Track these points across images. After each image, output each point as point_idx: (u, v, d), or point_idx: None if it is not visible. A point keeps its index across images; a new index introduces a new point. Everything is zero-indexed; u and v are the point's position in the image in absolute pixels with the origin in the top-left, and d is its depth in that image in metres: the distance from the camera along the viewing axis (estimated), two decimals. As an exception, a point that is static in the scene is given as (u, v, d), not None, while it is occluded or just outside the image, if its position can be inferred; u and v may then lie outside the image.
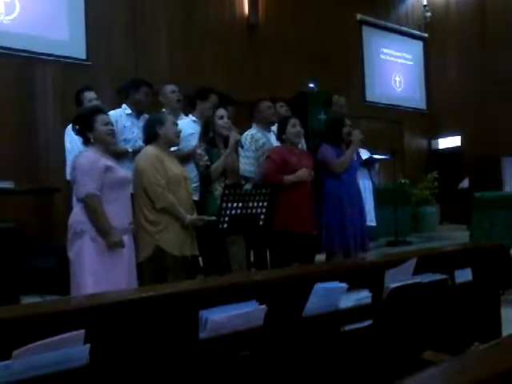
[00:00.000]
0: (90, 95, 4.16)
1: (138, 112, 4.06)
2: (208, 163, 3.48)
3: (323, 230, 4.03)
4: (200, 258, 3.60)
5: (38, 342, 1.32)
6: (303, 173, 3.83)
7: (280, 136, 4.01)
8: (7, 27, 6.18)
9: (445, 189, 9.69)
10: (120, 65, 6.77)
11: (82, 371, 1.40)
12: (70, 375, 1.38)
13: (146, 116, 4.07)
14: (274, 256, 3.98)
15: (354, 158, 4.30)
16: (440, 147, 11.44)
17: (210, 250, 3.45)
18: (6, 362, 1.29)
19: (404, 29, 11.26)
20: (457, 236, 7.74)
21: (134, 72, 6.92)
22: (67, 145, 3.93)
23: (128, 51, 7.18)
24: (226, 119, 3.59)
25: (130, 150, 3.87)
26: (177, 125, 3.34)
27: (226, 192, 3.17)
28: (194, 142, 3.88)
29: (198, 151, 3.51)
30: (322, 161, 4.12)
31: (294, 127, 3.96)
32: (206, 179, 3.52)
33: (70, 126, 3.43)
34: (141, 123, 4.00)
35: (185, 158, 3.77)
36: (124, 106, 4.10)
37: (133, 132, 4.02)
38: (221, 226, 3.18)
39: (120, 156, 3.75)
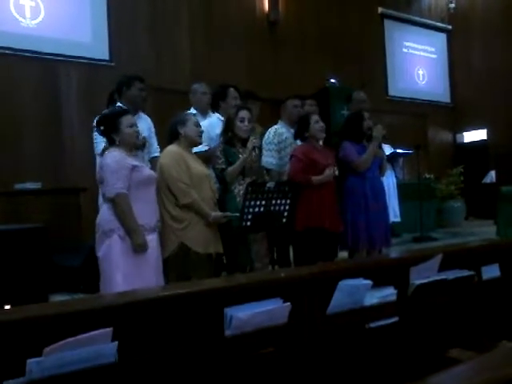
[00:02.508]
0: None
1: (134, 109, 4.04)
2: (223, 166, 3.49)
3: (348, 227, 4.00)
4: (223, 256, 3.62)
5: (68, 340, 1.35)
6: (330, 172, 3.80)
7: (301, 134, 3.97)
8: (33, 31, 6.31)
9: (470, 183, 9.52)
10: (142, 65, 6.83)
11: (111, 368, 1.43)
12: (98, 372, 1.41)
13: (142, 114, 4.08)
14: (298, 254, 3.97)
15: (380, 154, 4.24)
16: (465, 141, 11.25)
17: (232, 248, 3.46)
18: (38, 358, 1.33)
19: (427, 21, 11.09)
20: (483, 231, 7.61)
21: (156, 72, 7.00)
22: (97, 140, 3.82)
23: (150, 51, 7.25)
24: (246, 122, 3.59)
25: None
26: (199, 126, 3.36)
27: (249, 189, 3.18)
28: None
29: (217, 153, 3.53)
30: (343, 159, 4.09)
31: (318, 123, 3.93)
32: (223, 180, 3.54)
33: None
34: (136, 121, 4.01)
35: (206, 159, 3.77)
36: (119, 104, 4.04)
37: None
38: (244, 224, 3.20)
39: None
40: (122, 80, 4.05)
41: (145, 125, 4.02)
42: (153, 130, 4.17)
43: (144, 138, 3.85)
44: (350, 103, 5.20)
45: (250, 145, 3.56)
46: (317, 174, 3.79)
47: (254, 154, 3.63)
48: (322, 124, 3.95)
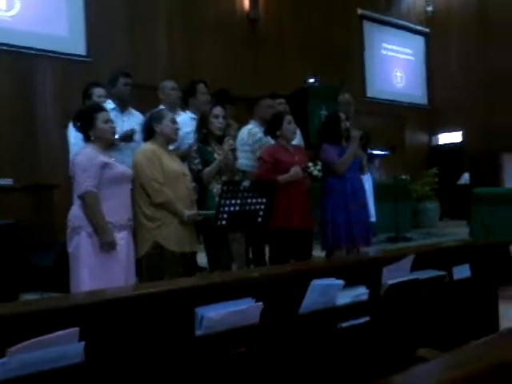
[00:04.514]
0: (99, 91, 4.17)
1: (122, 105, 4.00)
2: (199, 167, 3.46)
3: (329, 226, 4.01)
4: (197, 255, 3.60)
5: (33, 340, 1.32)
6: (295, 171, 3.79)
7: (273, 132, 3.96)
8: (7, 23, 6.18)
9: (445, 184, 9.66)
10: (120, 61, 6.74)
11: (77, 369, 1.40)
12: (65, 373, 1.38)
13: (132, 110, 4.06)
14: (272, 253, 3.97)
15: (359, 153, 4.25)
16: (440, 143, 11.42)
17: (213, 247, 3.44)
18: (2, 359, 1.29)
19: (405, 23, 11.22)
20: (457, 232, 7.73)
21: (134, 68, 6.90)
22: (71, 140, 3.87)
23: (128, 47, 7.17)
24: (221, 119, 3.57)
25: (117, 136, 3.62)
26: (175, 122, 3.33)
27: (224, 189, 3.16)
28: (192, 140, 3.87)
29: (192, 153, 3.50)
30: (324, 161, 4.10)
31: (290, 124, 3.93)
32: (199, 180, 3.51)
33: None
34: (126, 117, 3.99)
35: (181, 158, 3.75)
36: (108, 100, 4.04)
37: (117, 125, 3.98)
38: (219, 223, 3.17)
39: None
40: (109, 77, 4.05)
41: (135, 120, 4.01)
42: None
43: (132, 130, 3.82)
44: (333, 104, 5.18)
45: (226, 146, 3.53)
46: (282, 173, 3.78)
47: (230, 154, 3.60)
48: (294, 126, 3.96)
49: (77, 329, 1.39)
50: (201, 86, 4.17)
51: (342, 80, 6.82)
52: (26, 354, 1.33)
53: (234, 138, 4.25)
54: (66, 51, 6.66)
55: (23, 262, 4.08)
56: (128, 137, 3.82)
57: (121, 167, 3.06)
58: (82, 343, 1.40)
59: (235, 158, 3.71)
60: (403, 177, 8.94)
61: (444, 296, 2.40)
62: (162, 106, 4.18)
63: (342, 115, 4.19)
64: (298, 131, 4.52)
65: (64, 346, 1.37)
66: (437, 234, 8.02)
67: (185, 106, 4.23)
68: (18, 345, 1.30)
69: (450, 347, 2.04)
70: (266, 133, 4.04)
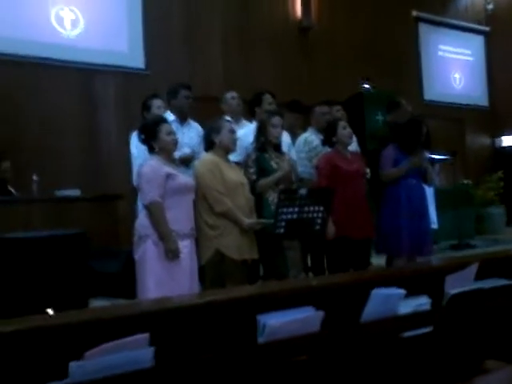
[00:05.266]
0: (157, 102, 4.32)
1: (181, 117, 4.11)
2: (254, 177, 3.51)
3: (381, 232, 3.99)
4: (260, 264, 3.65)
5: (108, 344, 1.40)
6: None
7: (329, 139, 3.97)
8: (72, 42, 6.53)
9: (511, 189, 9.26)
10: (177, 73, 6.95)
11: (147, 373, 1.47)
12: (136, 377, 1.45)
13: (191, 122, 4.17)
14: (330, 261, 3.96)
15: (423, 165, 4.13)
16: (504, 145, 10.96)
17: (268, 255, 3.49)
18: (80, 362, 1.38)
19: (463, 24, 10.87)
20: (525, 238, 7.39)
21: (191, 79, 7.09)
22: (133, 150, 3.99)
23: (184, 59, 7.38)
24: (279, 129, 3.63)
25: (177, 157, 3.78)
26: (234, 132, 3.41)
27: (282, 197, 3.21)
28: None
29: (249, 162, 3.57)
30: (380, 161, 4.06)
31: (345, 129, 3.93)
32: (253, 189, 3.56)
33: (135, 133, 3.59)
34: (186, 129, 4.09)
35: (182, 162, 3.83)
36: (168, 112, 4.16)
37: (178, 138, 4.09)
38: (277, 231, 3.22)
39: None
40: (169, 88, 4.16)
41: (194, 132, 4.12)
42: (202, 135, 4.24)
43: (193, 154, 3.94)
44: (395, 110, 5.02)
45: (286, 166, 3.57)
46: (340, 180, 3.77)
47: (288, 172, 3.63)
48: (349, 130, 3.95)
49: (147, 334, 1.46)
50: (267, 97, 4.25)
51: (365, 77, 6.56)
52: (101, 358, 1.40)
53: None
54: (126, 65, 6.94)
55: (91, 270, 4.27)
56: (187, 160, 3.93)
57: (184, 178, 3.17)
58: (152, 348, 1.47)
59: (296, 176, 3.74)
60: (465, 182, 8.67)
61: (511, 306, 2.31)
62: (227, 117, 4.29)
63: (424, 128, 4.03)
64: (355, 138, 4.50)
65: (135, 351, 1.44)
66: (503, 240, 7.70)
67: (252, 116, 4.31)
68: (94, 348, 1.38)
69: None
70: (324, 143, 4.05)
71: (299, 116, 4.53)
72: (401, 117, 4.80)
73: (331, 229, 3.70)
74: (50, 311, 3.28)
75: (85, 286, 3.93)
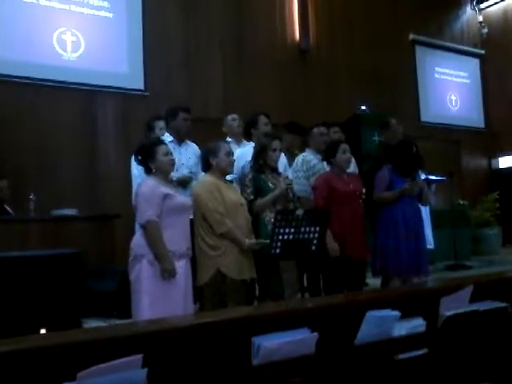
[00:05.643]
0: (160, 124, 4.43)
1: (179, 138, 4.14)
2: (251, 197, 3.54)
3: (378, 254, 3.99)
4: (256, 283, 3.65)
5: (101, 365, 1.40)
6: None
7: (328, 159, 4.02)
8: (73, 64, 6.61)
9: (508, 210, 9.29)
10: (176, 94, 7.03)
11: (141, 394, 1.46)
12: (129, 398, 1.45)
13: (189, 142, 4.20)
14: (326, 281, 3.96)
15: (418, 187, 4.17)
16: (501, 166, 11.02)
17: (264, 275, 3.49)
18: (72, 383, 1.37)
19: (459, 47, 11.04)
20: (521, 259, 7.39)
21: (190, 101, 7.17)
22: (134, 171, 4.02)
23: (183, 80, 7.46)
24: (278, 152, 3.67)
25: (174, 178, 3.81)
26: (231, 155, 3.43)
27: (278, 218, 3.22)
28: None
29: (246, 182, 3.59)
30: (374, 182, 4.09)
31: (344, 153, 3.96)
32: (250, 209, 3.58)
33: None
34: (183, 149, 4.13)
35: (180, 183, 3.87)
36: (166, 134, 4.20)
37: (175, 158, 4.12)
38: (273, 252, 3.23)
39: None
40: (169, 110, 4.21)
41: (191, 152, 4.15)
42: (199, 155, 4.27)
43: (191, 176, 3.98)
44: (385, 129, 5.12)
45: (283, 185, 3.60)
46: (337, 201, 3.80)
47: (285, 191, 3.66)
48: (348, 155, 3.99)
49: (140, 356, 1.45)
50: (262, 118, 4.30)
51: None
52: (94, 379, 1.40)
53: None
54: (126, 87, 7.01)
55: (85, 289, 4.25)
56: (185, 182, 3.96)
57: (181, 198, 3.19)
58: (145, 370, 1.47)
59: (293, 194, 3.77)
60: (461, 202, 8.70)
61: (506, 329, 2.31)
62: (228, 139, 4.33)
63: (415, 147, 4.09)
64: (353, 159, 4.54)
65: (129, 372, 1.44)
66: (499, 261, 7.69)
67: (248, 137, 4.36)
68: (87, 369, 1.38)
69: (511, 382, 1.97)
70: (324, 159, 4.09)
71: (297, 137, 4.58)
72: (392, 136, 4.87)
73: (335, 247, 3.72)
74: (43, 331, 3.26)
75: (79, 306, 3.91)
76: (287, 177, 3.81)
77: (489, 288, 2.42)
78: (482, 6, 11.32)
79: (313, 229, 3.35)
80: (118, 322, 4.14)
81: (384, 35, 9.55)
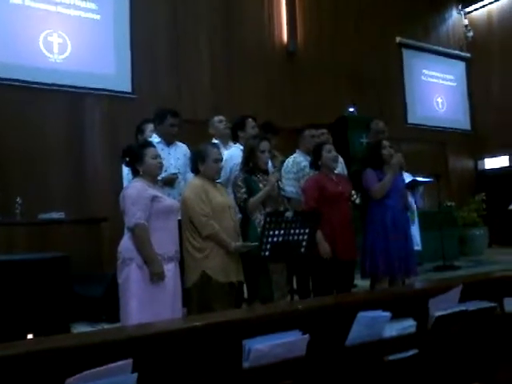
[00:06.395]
0: (150, 126, 4.40)
1: (167, 141, 4.13)
2: (245, 196, 3.53)
3: (367, 254, 4.00)
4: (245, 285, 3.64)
5: (90, 371, 1.38)
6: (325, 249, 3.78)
7: (316, 163, 4.02)
8: (60, 65, 6.54)
9: (494, 210, 9.39)
10: (163, 96, 7.00)
11: (131, 399, 1.44)
12: (119, 403, 1.43)
13: (178, 143, 4.17)
14: (315, 282, 3.96)
15: (401, 181, 4.24)
16: (487, 167, 11.14)
17: (253, 277, 3.48)
18: (60, 389, 1.36)
19: (445, 50, 11.14)
20: (508, 259, 7.46)
21: (178, 103, 7.15)
22: (125, 174, 3.98)
23: (171, 82, 7.43)
24: (267, 153, 3.68)
25: (160, 177, 3.68)
26: (219, 161, 3.41)
27: (268, 220, 3.21)
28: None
29: (238, 182, 3.58)
30: (365, 186, 4.11)
31: (330, 152, 3.97)
32: (244, 210, 3.58)
33: None
34: (172, 150, 4.10)
35: (166, 183, 3.85)
36: (154, 135, 4.18)
37: (163, 159, 4.08)
38: (263, 254, 3.22)
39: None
40: (157, 113, 4.18)
41: (180, 152, 4.13)
42: (188, 156, 4.25)
43: (176, 174, 3.96)
44: (368, 131, 5.24)
45: (273, 178, 3.60)
46: (326, 202, 3.81)
47: (275, 186, 3.67)
48: (334, 154, 4.00)
49: (130, 360, 1.44)
50: (249, 121, 4.30)
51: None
52: (83, 385, 1.38)
53: (280, 168, 4.36)
54: (113, 89, 6.95)
55: (73, 294, 4.21)
56: (171, 181, 3.94)
57: (169, 200, 3.17)
58: (135, 375, 1.45)
59: (280, 189, 3.78)
60: (448, 204, 8.77)
61: (495, 329, 2.33)
62: (215, 140, 4.31)
63: (386, 142, 4.19)
64: (342, 160, 4.55)
65: (118, 377, 1.42)
66: (486, 261, 7.77)
67: (235, 139, 4.35)
68: (75, 375, 1.36)
69: (500, 382, 1.98)
70: (311, 166, 4.10)
71: (272, 136, 4.53)
72: (374, 136, 4.94)
73: (327, 248, 3.73)
74: (30, 336, 3.22)
75: (67, 311, 3.87)
76: (274, 172, 3.79)
77: (477, 288, 2.44)
78: (468, 9, 11.45)
79: (302, 231, 3.34)
80: (106, 326, 4.10)
81: (371, 38, 9.60)
